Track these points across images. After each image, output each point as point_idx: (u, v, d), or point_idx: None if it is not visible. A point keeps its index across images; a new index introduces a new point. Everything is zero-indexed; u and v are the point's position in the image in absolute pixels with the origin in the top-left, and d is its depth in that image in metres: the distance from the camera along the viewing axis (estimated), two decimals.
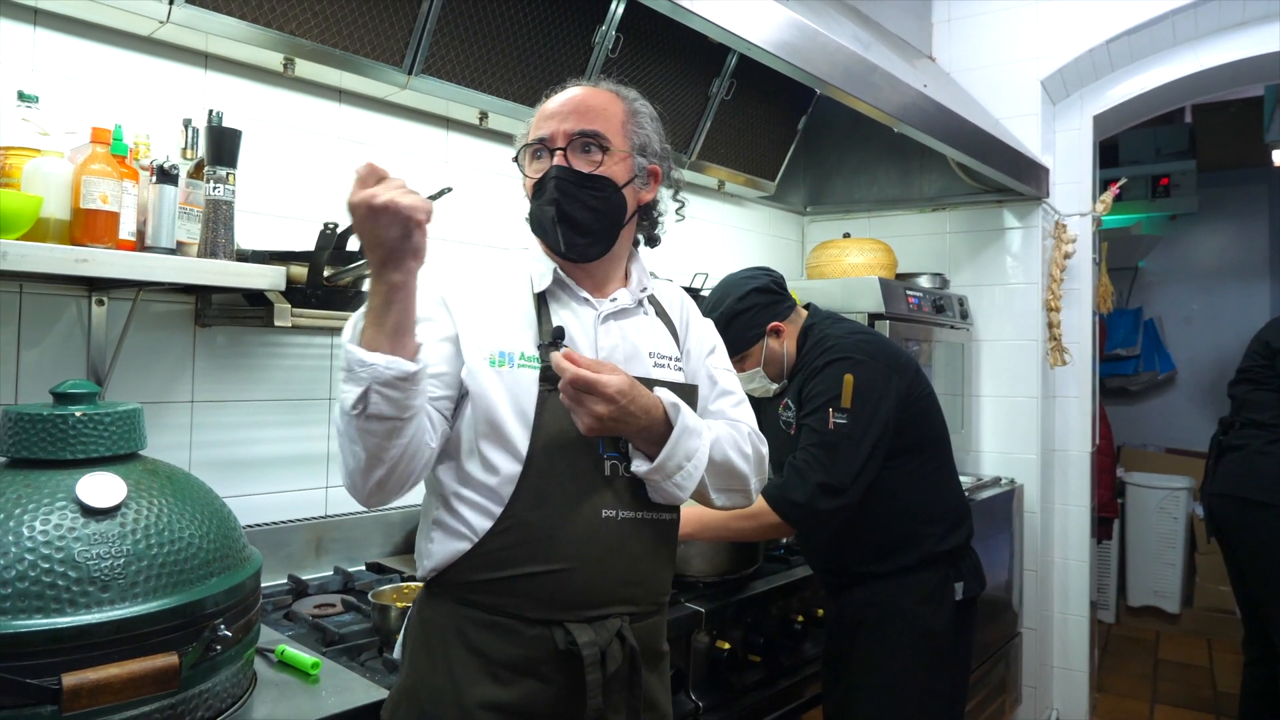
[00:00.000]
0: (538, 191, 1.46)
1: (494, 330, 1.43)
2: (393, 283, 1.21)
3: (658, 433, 1.39)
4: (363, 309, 1.27)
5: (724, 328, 2.33)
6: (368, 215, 1.17)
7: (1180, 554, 6.14)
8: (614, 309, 1.50)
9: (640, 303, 1.55)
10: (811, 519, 2.18)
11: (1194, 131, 6.51)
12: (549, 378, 1.40)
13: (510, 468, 1.38)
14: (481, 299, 1.45)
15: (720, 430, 1.52)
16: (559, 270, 1.50)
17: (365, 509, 2.39)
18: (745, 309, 2.37)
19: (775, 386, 2.43)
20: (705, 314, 2.37)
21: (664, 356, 1.53)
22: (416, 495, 1.51)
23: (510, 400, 1.39)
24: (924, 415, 2.37)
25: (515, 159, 1.52)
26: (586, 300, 1.50)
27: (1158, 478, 6.30)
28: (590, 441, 1.40)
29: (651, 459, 1.40)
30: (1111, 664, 5.43)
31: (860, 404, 2.20)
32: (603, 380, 1.30)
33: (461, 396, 1.41)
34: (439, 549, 1.42)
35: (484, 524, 1.38)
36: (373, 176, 1.18)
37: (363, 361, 1.21)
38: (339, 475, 2.34)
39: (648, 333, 1.53)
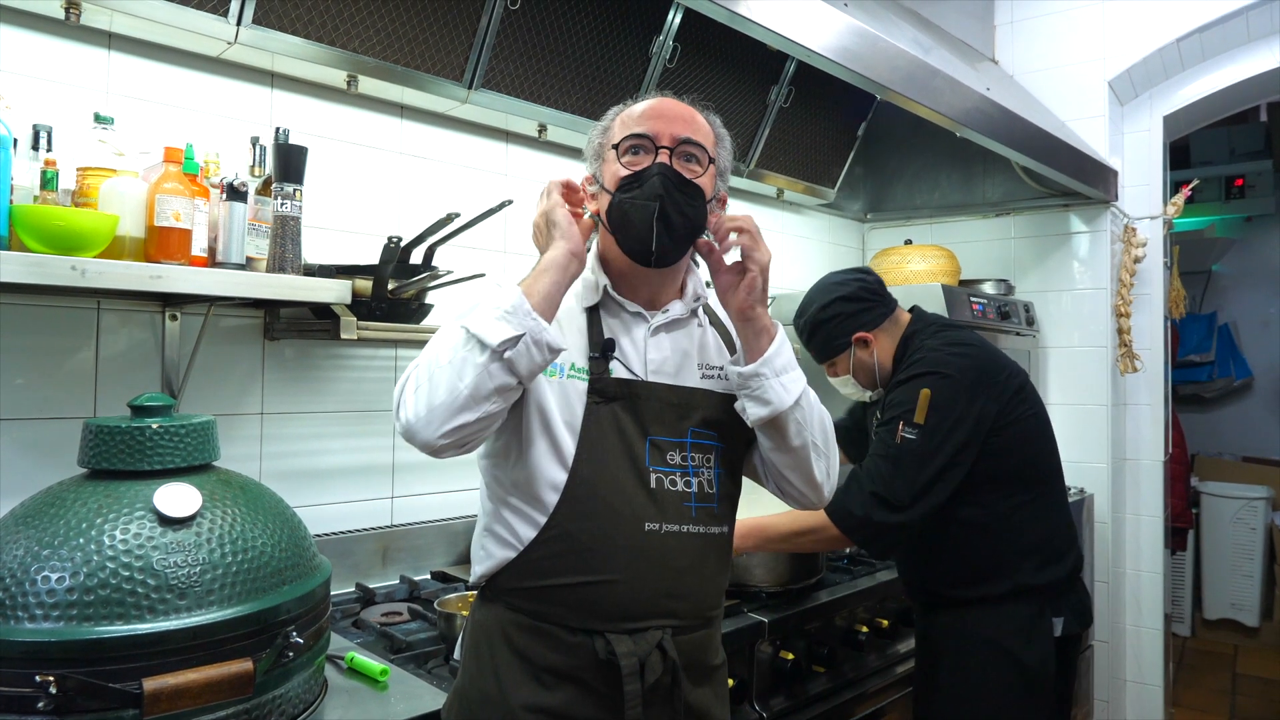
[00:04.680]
0: (630, 185, 1.40)
1: None
2: (570, 265, 1.34)
3: (772, 330, 1.42)
4: (526, 278, 1.34)
5: (808, 337, 2.31)
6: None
7: (1259, 565, 5.96)
8: (665, 320, 1.49)
9: (694, 313, 1.54)
10: (867, 531, 2.06)
11: (1270, 130, 6.31)
12: (598, 390, 1.41)
13: (556, 478, 1.39)
14: None
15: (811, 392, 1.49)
16: (608, 288, 1.49)
17: (426, 521, 2.46)
18: (828, 319, 2.28)
19: (871, 393, 2.33)
20: (795, 319, 2.35)
21: (713, 367, 1.52)
22: (475, 504, 1.53)
23: (559, 411, 1.39)
24: (1024, 440, 2.18)
25: (615, 146, 1.45)
26: (639, 314, 1.49)
27: (1234, 487, 6.12)
28: (635, 454, 1.40)
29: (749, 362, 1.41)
30: (1187, 678, 5.28)
31: (934, 421, 2.07)
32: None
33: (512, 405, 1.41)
34: (488, 555, 1.44)
35: (529, 533, 1.39)
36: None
37: (530, 312, 1.26)
38: (403, 485, 2.41)
39: (699, 343, 1.52)
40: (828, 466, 1.49)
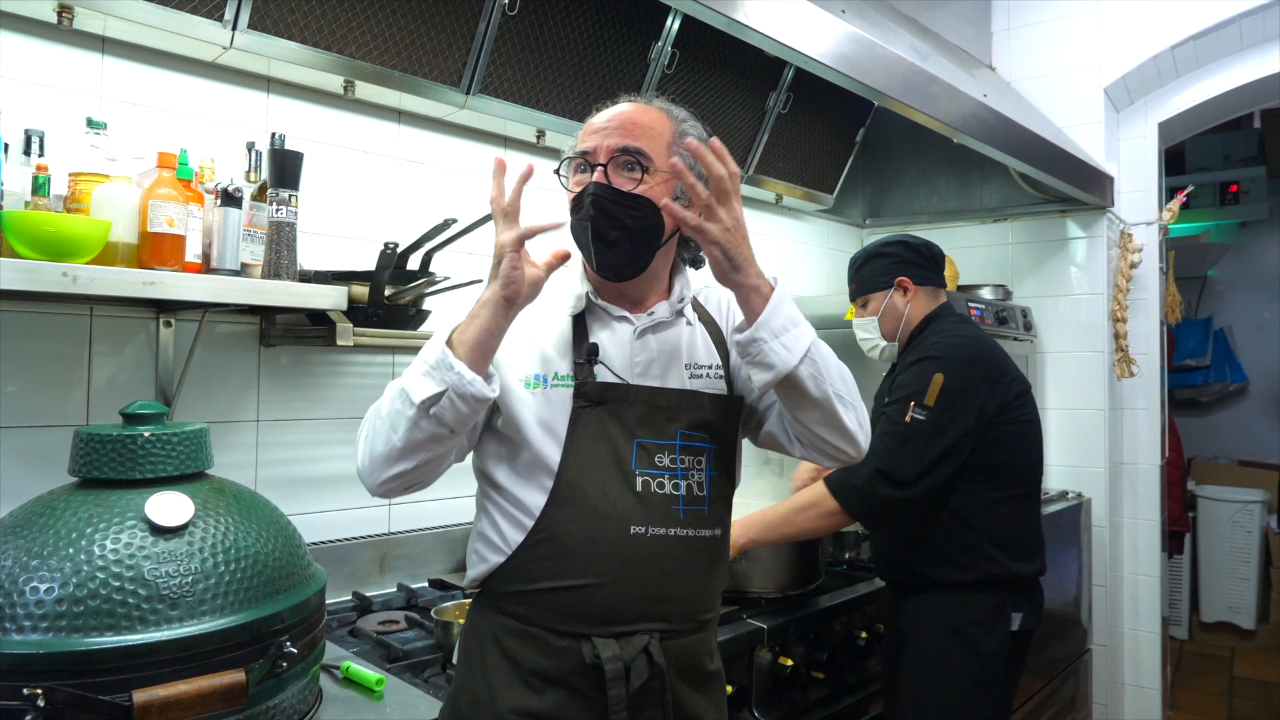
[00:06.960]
0: (575, 206, 1.45)
1: (530, 352, 1.44)
2: (507, 309, 1.29)
3: (765, 290, 1.31)
4: (462, 321, 1.30)
5: (860, 264, 2.47)
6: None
7: (1255, 569, 6.00)
8: (650, 323, 1.49)
9: (680, 313, 1.53)
10: (868, 504, 2.18)
11: (1263, 137, 6.34)
12: (582, 394, 1.41)
13: (542, 482, 1.40)
14: (522, 319, 1.38)
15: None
16: (591, 295, 1.49)
17: (424, 529, 2.44)
18: (886, 253, 2.45)
19: (884, 344, 2.46)
20: (854, 258, 2.51)
21: (702, 367, 1.51)
22: (473, 511, 1.53)
23: (543, 419, 1.40)
24: (1016, 440, 2.32)
25: (557, 171, 1.51)
26: (624, 318, 1.49)
27: (1230, 490, 6.15)
28: (621, 458, 1.40)
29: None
30: (1185, 681, 5.29)
31: (943, 405, 2.21)
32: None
33: (493, 413, 1.42)
34: (480, 560, 1.45)
35: (517, 537, 1.40)
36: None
37: (451, 366, 1.25)
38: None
39: (686, 344, 1.51)
40: (858, 417, 1.43)
